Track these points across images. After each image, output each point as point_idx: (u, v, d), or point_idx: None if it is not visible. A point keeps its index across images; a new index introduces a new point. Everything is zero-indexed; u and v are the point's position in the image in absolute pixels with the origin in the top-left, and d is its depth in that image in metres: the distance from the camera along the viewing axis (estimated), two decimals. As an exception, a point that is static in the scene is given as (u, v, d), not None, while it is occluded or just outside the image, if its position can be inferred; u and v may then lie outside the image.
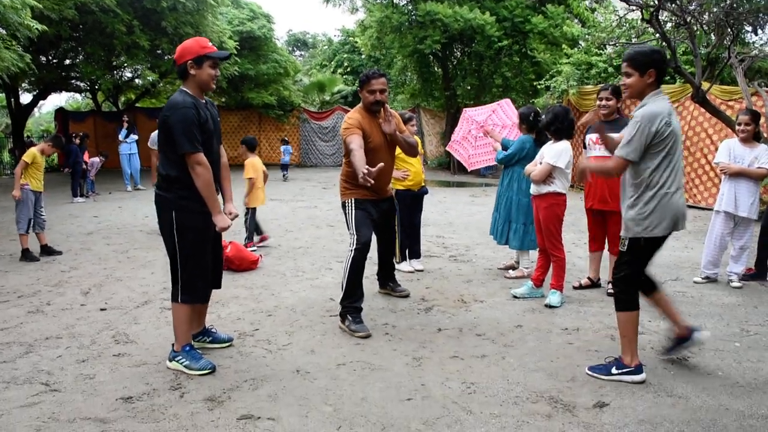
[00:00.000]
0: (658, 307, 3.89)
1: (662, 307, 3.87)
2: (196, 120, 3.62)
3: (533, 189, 5.35)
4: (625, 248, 3.69)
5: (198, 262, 3.79)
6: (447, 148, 9.12)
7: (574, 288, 5.74)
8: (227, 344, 4.20)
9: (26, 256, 7.06)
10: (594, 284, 5.80)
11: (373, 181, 4.06)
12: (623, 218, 3.71)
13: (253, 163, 7.75)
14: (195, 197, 3.68)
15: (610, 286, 5.61)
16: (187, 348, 3.82)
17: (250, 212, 7.75)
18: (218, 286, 4.17)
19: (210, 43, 3.81)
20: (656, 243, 3.65)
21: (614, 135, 4.33)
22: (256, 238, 7.82)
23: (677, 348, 3.92)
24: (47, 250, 7.29)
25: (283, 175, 18.03)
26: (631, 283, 3.71)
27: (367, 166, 4.07)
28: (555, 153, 5.16)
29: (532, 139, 6.00)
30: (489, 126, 7.73)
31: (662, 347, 4.03)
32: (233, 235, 8.27)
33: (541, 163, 5.25)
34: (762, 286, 5.88)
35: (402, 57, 21.84)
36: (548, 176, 5.18)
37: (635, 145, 3.50)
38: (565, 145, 5.21)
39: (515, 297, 5.46)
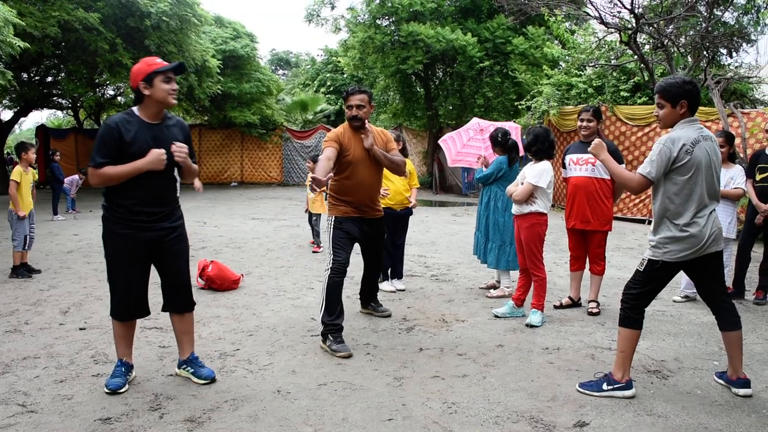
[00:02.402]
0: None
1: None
2: (115, 137, 3.56)
3: (515, 209, 5.38)
4: (642, 267, 3.74)
5: (115, 277, 3.75)
6: (440, 141, 9.18)
7: (555, 307, 5.77)
8: (205, 382, 3.87)
9: (17, 273, 7.04)
10: (575, 303, 5.83)
11: (318, 189, 4.16)
12: (648, 238, 3.77)
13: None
14: (116, 210, 3.69)
15: (591, 305, 5.66)
16: (118, 363, 3.83)
17: (317, 218, 9.26)
18: (173, 310, 3.97)
19: (158, 60, 3.73)
20: (674, 267, 3.69)
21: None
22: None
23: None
24: (27, 269, 7.20)
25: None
26: (641, 302, 3.75)
27: (315, 175, 4.18)
28: (536, 173, 5.21)
29: (506, 160, 6.08)
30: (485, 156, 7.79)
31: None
32: (215, 254, 8.24)
33: (522, 183, 5.30)
34: (740, 304, 5.95)
35: (384, 77, 22.04)
36: (530, 196, 5.22)
37: (656, 165, 3.57)
38: (546, 165, 5.27)
39: (496, 316, 5.48)
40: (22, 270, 7.08)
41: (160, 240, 3.78)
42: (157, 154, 3.60)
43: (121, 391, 3.68)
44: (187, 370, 3.97)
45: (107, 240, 3.76)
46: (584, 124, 5.57)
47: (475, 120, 8.83)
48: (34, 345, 4.63)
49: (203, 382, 3.88)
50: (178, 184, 3.93)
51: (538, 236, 5.29)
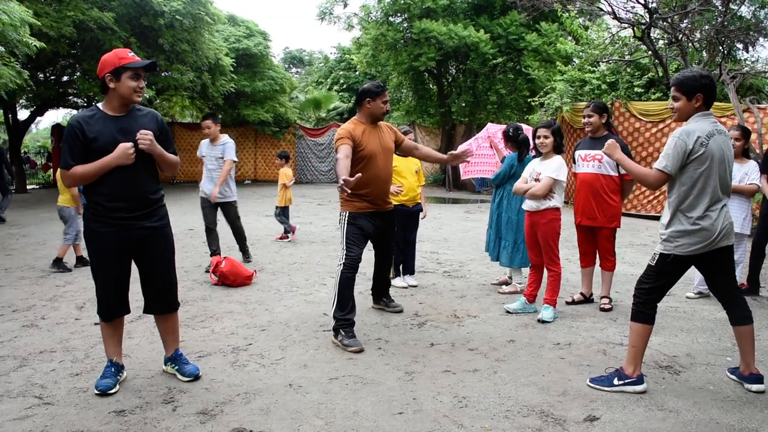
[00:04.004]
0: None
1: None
2: (78, 135, 3.47)
3: (531, 204, 5.30)
4: (654, 262, 3.73)
5: (98, 275, 3.68)
6: (463, 177, 9.33)
7: (567, 303, 5.76)
8: (189, 379, 3.85)
9: (81, 261, 7.56)
10: (587, 299, 5.82)
11: (349, 190, 4.14)
12: (659, 232, 3.76)
13: (284, 172, 9.84)
14: (94, 208, 3.61)
15: (602, 301, 5.65)
16: (108, 363, 3.78)
17: (280, 210, 9.75)
18: (153, 311, 3.91)
19: (131, 54, 3.59)
20: (686, 261, 3.68)
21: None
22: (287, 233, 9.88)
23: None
24: (58, 264, 7.39)
25: None
26: (653, 297, 3.75)
27: (345, 177, 4.14)
28: (555, 167, 5.18)
29: (516, 156, 6.06)
30: (496, 140, 7.80)
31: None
32: (228, 250, 8.30)
33: (536, 180, 5.26)
34: (754, 300, 5.92)
35: (397, 74, 22.03)
36: (549, 191, 5.21)
37: (672, 159, 3.56)
38: (561, 159, 5.27)
39: (508, 312, 5.48)
40: (83, 259, 7.51)
41: (141, 240, 3.68)
42: (123, 149, 3.49)
43: (111, 392, 3.63)
44: (172, 367, 3.95)
45: (88, 239, 3.68)
46: (585, 120, 5.59)
47: (486, 127, 8.90)
48: (51, 339, 4.70)
49: (187, 379, 3.85)
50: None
51: (555, 231, 5.28)
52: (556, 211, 5.26)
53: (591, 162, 5.52)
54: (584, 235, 5.74)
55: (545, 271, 5.40)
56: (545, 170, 5.22)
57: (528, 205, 5.36)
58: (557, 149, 5.30)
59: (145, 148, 3.57)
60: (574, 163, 5.75)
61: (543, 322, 5.17)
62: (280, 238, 9.85)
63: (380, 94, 4.86)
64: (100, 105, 3.65)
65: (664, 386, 3.83)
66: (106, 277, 3.68)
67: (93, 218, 3.63)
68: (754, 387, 3.75)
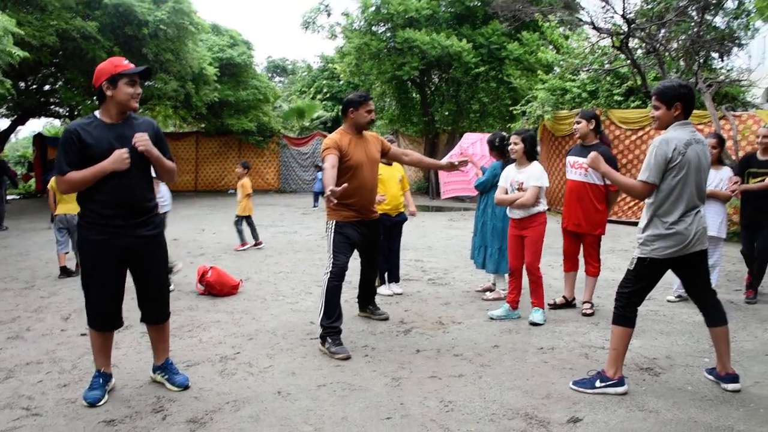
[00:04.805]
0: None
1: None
2: (75, 142, 3.51)
3: (520, 213, 5.37)
4: (633, 266, 3.84)
5: (92, 285, 3.68)
6: (443, 197, 9.39)
7: (549, 306, 5.85)
8: (179, 389, 3.86)
9: (65, 272, 7.61)
10: (569, 303, 5.92)
11: (335, 201, 4.19)
12: (636, 236, 3.87)
13: (245, 183, 10.08)
14: (89, 216, 3.64)
15: (584, 306, 5.74)
16: (96, 374, 3.79)
17: (244, 220, 9.91)
18: (149, 321, 3.94)
19: (125, 62, 3.67)
20: (662, 265, 3.79)
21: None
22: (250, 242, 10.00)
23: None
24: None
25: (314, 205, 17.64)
26: (633, 301, 3.85)
27: (333, 188, 4.19)
28: (539, 174, 5.32)
29: (501, 165, 6.14)
30: (471, 153, 7.90)
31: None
32: (213, 260, 8.31)
33: (517, 189, 5.36)
34: (730, 303, 6.04)
35: (380, 83, 22.11)
36: (537, 198, 5.32)
37: (654, 168, 3.68)
38: (540, 165, 5.40)
39: (492, 318, 5.56)
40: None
41: (136, 248, 3.71)
42: (119, 154, 3.53)
43: (100, 403, 3.64)
44: (162, 376, 3.96)
45: (82, 247, 3.70)
46: (574, 126, 5.74)
47: (463, 138, 8.98)
48: (37, 350, 4.70)
49: (176, 389, 3.86)
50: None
51: (543, 235, 5.41)
52: (544, 215, 5.40)
53: (578, 170, 5.64)
54: (570, 240, 5.86)
55: (526, 277, 5.48)
56: (528, 179, 5.32)
57: (516, 213, 5.43)
58: (529, 156, 5.41)
59: (142, 150, 3.61)
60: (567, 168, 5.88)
61: (535, 324, 5.27)
62: (256, 245, 10.03)
63: (362, 103, 4.93)
64: (97, 113, 3.69)
65: (644, 387, 3.93)
66: (101, 287, 3.68)
67: (87, 226, 3.65)
68: (730, 386, 3.86)
